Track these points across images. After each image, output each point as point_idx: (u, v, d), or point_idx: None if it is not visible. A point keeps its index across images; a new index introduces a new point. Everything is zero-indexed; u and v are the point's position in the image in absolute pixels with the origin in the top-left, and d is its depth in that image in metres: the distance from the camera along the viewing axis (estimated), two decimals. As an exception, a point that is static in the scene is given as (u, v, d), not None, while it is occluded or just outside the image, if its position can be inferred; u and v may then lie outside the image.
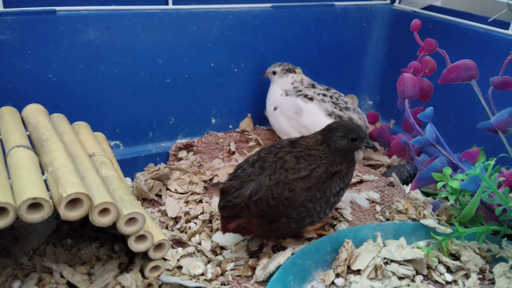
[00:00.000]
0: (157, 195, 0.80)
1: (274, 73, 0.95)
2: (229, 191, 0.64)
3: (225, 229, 0.65)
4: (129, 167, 0.88)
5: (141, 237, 0.54)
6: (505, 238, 0.66)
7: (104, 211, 0.50)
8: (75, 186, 0.48)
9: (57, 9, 0.81)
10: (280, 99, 0.94)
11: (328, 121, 0.86)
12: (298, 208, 0.62)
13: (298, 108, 0.91)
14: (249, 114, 1.06)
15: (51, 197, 0.49)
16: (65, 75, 0.83)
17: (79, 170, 0.55)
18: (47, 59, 0.81)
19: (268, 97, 0.98)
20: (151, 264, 0.56)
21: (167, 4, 0.89)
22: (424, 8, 1.04)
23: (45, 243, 0.63)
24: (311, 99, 0.91)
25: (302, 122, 0.90)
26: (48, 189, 0.51)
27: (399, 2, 1.09)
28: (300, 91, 0.93)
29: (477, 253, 0.66)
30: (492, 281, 0.63)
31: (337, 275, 0.64)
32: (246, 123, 1.06)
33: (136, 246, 0.54)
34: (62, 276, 0.58)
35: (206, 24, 0.93)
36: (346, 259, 0.64)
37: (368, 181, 0.84)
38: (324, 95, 0.92)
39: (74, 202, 0.48)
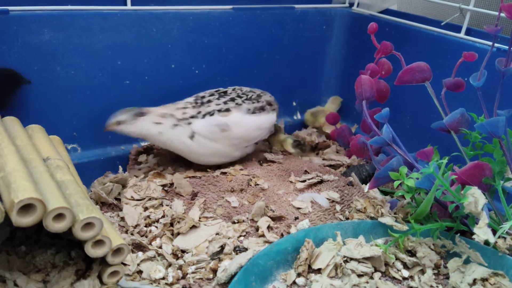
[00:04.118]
0: (116, 198, 0.79)
1: (119, 122, 0.81)
2: None
3: None
4: (87, 170, 0.86)
5: (98, 242, 0.52)
6: (458, 234, 0.68)
7: (59, 216, 0.49)
8: (27, 191, 0.47)
9: (10, 8, 0.78)
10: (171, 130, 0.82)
11: (256, 118, 0.85)
12: None
13: (223, 124, 0.83)
14: (211, 116, 1.05)
15: (2, 203, 0.47)
16: (18, 77, 0.81)
17: (33, 175, 0.53)
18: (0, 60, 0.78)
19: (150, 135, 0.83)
20: (110, 270, 0.55)
21: (125, 4, 0.88)
22: (381, 12, 1.07)
23: (-3, 251, 0.61)
24: (228, 110, 0.84)
25: (233, 135, 0.84)
26: (-1, 195, 0.49)
27: (357, 6, 1.11)
28: (192, 117, 0.82)
29: (432, 249, 0.68)
30: (447, 276, 0.66)
31: (298, 275, 0.64)
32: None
33: (93, 252, 0.52)
34: (16, 285, 0.56)
35: (166, 25, 0.92)
36: (307, 259, 0.65)
37: (328, 181, 0.86)
38: (232, 99, 0.85)
39: (27, 208, 0.47)
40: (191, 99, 0.86)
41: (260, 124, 0.83)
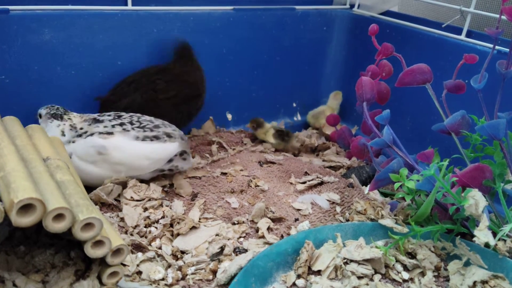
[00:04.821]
0: (116, 199, 0.79)
1: (40, 116, 0.79)
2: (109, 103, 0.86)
3: None
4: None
5: (98, 243, 0.52)
6: (459, 236, 0.68)
7: (59, 216, 0.49)
8: (27, 191, 0.47)
9: (11, 8, 0.78)
10: (68, 146, 0.76)
11: (144, 146, 0.77)
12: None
13: (100, 147, 0.75)
14: (211, 117, 1.05)
15: (2, 203, 0.47)
16: (18, 77, 0.81)
17: (32, 175, 0.53)
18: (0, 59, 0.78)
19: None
20: (109, 270, 0.55)
21: (126, 4, 0.88)
22: (382, 13, 1.07)
23: (-4, 251, 0.60)
24: (111, 133, 0.77)
25: (113, 160, 0.76)
26: (-2, 195, 0.49)
27: (358, 7, 1.11)
28: (86, 132, 0.77)
29: (432, 251, 0.68)
30: (447, 278, 0.66)
31: (298, 276, 0.64)
32: (208, 126, 1.06)
33: (93, 252, 0.52)
34: (14, 285, 0.56)
35: (167, 26, 0.92)
36: (307, 260, 0.65)
37: (328, 182, 0.86)
38: (121, 124, 0.78)
39: (26, 208, 0.47)
40: (95, 114, 0.81)
41: (149, 153, 0.77)
